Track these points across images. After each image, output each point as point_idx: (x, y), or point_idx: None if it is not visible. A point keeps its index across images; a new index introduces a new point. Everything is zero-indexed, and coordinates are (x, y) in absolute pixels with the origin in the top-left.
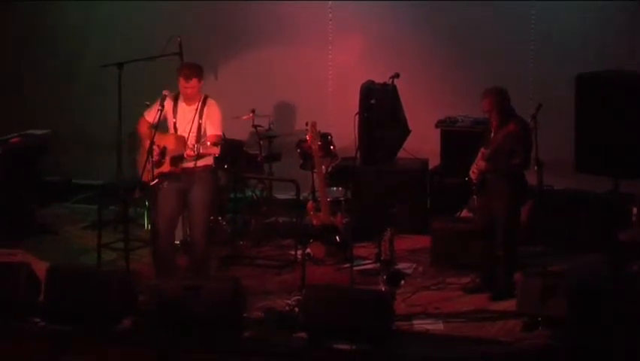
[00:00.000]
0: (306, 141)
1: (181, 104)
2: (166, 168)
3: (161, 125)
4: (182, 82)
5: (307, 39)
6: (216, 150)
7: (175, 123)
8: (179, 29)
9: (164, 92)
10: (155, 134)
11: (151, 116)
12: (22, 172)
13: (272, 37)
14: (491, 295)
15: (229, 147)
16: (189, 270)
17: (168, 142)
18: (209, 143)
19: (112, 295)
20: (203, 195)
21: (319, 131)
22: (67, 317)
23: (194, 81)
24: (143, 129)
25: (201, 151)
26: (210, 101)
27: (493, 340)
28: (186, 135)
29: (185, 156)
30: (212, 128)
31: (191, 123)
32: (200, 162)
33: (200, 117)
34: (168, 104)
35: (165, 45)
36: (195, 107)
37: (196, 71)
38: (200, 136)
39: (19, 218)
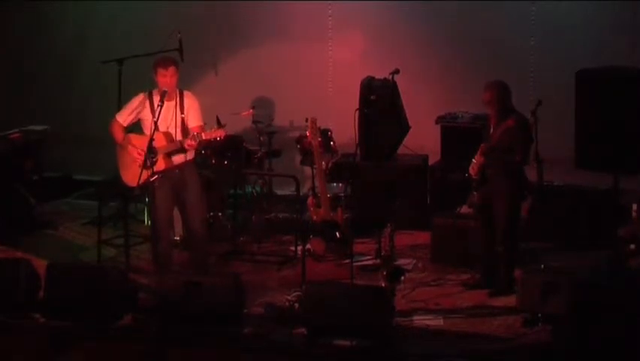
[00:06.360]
0: (306, 137)
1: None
2: (160, 165)
3: (134, 128)
4: (160, 72)
5: (307, 35)
6: (221, 133)
7: (156, 122)
8: (180, 27)
9: (165, 89)
10: (152, 134)
11: (123, 118)
12: (22, 168)
13: (272, 33)
14: (491, 291)
15: (229, 143)
16: (190, 265)
17: (155, 141)
18: (202, 134)
19: (112, 292)
20: (198, 188)
21: (319, 128)
22: (67, 314)
23: (172, 69)
24: (120, 134)
25: (204, 137)
26: (187, 94)
27: (493, 336)
28: (172, 131)
29: (185, 146)
30: (194, 120)
31: (173, 119)
32: (189, 155)
33: (182, 111)
34: (145, 103)
35: (166, 39)
36: (174, 102)
37: (172, 59)
38: (184, 130)
39: (19, 214)
